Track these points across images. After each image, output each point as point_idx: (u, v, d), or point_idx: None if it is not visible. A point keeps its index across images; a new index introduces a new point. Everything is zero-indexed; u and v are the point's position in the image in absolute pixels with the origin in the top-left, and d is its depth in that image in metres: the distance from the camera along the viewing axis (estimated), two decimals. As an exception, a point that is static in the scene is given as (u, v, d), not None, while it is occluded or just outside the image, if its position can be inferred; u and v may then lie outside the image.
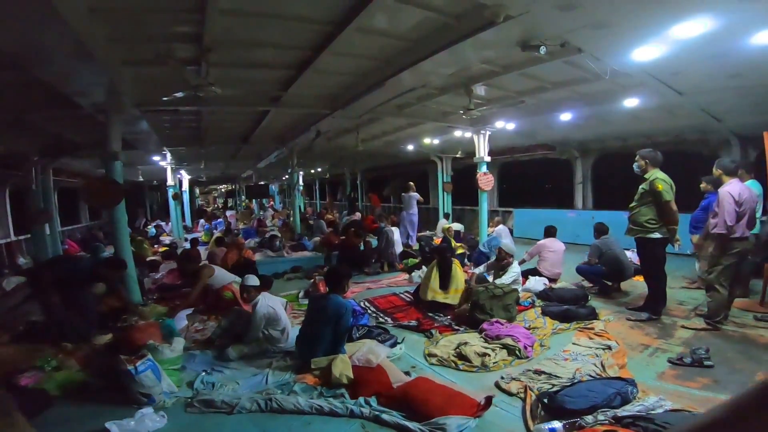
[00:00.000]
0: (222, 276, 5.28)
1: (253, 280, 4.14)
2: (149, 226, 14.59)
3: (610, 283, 5.55)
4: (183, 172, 14.54)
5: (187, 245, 9.27)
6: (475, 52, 3.87)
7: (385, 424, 2.56)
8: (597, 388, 2.68)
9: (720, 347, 3.56)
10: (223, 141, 9.96)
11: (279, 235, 11.07)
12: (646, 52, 3.63)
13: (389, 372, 3.09)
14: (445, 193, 12.59)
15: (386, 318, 4.81)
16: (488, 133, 8.06)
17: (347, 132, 9.16)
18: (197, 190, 27.19)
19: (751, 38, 3.28)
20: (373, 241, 8.55)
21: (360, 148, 9.34)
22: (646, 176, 4.33)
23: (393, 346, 3.81)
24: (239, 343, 3.82)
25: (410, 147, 11.15)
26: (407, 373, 3.23)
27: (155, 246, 11.17)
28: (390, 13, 3.45)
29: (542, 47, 3.56)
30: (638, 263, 5.01)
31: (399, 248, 8.04)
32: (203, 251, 8.46)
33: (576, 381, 2.92)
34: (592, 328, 4.16)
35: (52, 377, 3.28)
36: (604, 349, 3.64)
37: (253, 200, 22.95)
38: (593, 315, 4.49)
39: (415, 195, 10.20)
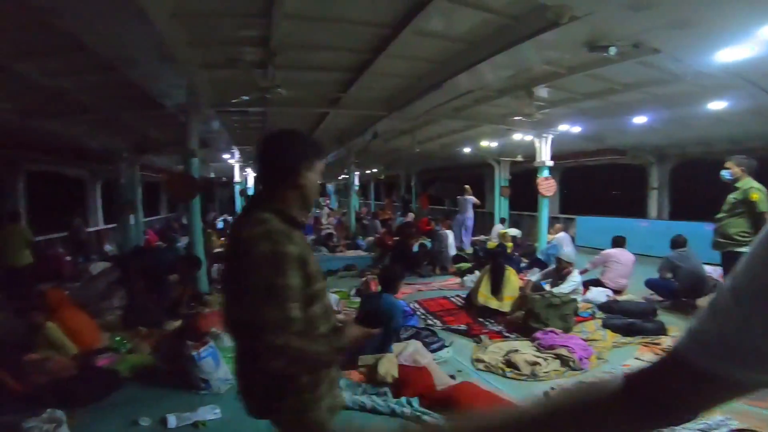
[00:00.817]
0: None
1: None
2: (218, 220, 15.70)
3: (684, 299, 5.07)
4: (249, 169, 15.48)
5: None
6: (536, 53, 3.73)
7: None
8: None
9: None
10: (285, 141, 10.42)
11: (334, 233, 11.41)
12: (732, 53, 3.30)
13: (434, 374, 3.08)
14: (501, 198, 12.21)
15: (435, 320, 4.78)
16: (551, 136, 7.70)
17: (403, 133, 9.22)
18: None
19: None
20: (427, 243, 8.51)
21: (416, 150, 9.36)
22: (738, 185, 3.91)
23: (440, 348, 3.78)
24: None
25: (467, 150, 10.96)
26: (452, 377, 3.20)
27: (222, 239, 11.99)
28: (447, 15, 3.42)
29: (612, 48, 3.35)
30: (720, 279, 4.53)
31: (452, 252, 7.95)
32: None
33: None
34: (659, 344, 3.88)
35: (125, 359, 3.58)
36: None
37: (312, 199, 23.78)
38: (661, 331, 4.18)
39: (471, 198, 10.02)
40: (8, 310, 4.45)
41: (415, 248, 8.13)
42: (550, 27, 3.02)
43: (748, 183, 3.84)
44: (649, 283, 5.40)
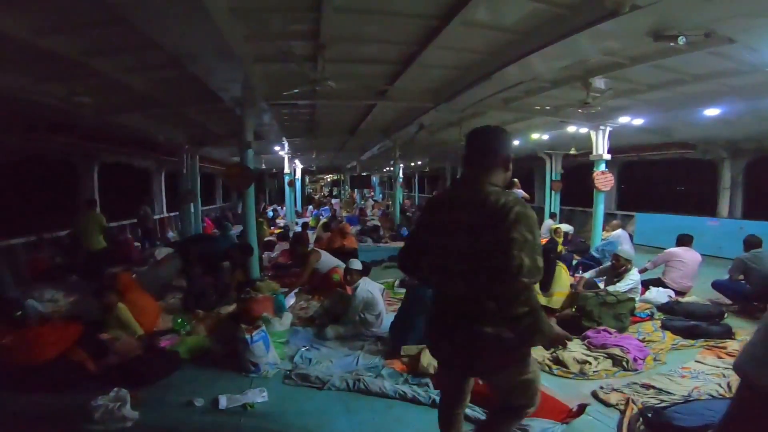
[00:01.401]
0: (328, 260, 5.72)
1: (356, 264, 4.39)
2: (268, 210, 16.40)
3: (755, 303, 4.68)
4: (297, 161, 15.95)
5: (298, 229, 10.21)
6: (593, 44, 3.52)
7: (467, 418, 2.55)
8: (716, 407, 2.36)
9: None
10: (332, 133, 10.60)
11: (380, 224, 11.53)
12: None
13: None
14: (553, 192, 11.73)
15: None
16: (609, 129, 7.27)
17: (450, 126, 9.07)
18: (307, 179, 29.63)
19: None
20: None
21: (462, 143, 9.18)
22: None
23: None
24: (337, 323, 4.11)
25: (516, 142, 10.59)
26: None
27: (272, 228, 12.51)
28: (495, 4, 3.33)
29: (681, 37, 3.11)
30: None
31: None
32: (311, 235, 9.24)
33: (692, 399, 2.65)
34: (725, 348, 3.68)
35: (184, 341, 3.77)
36: None
37: (356, 190, 24.17)
38: (728, 334, 3.94)
39: (520, 192, 9.67)
40: (86, 291, 4.91)
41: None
42: (609, 17, 2.84)
43: None
44: (717, 285, 5.04)
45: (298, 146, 12.53)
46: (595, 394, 2.86)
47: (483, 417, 2.49)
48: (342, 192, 25.86)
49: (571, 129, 7.81)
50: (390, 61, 5.01)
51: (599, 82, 5.17)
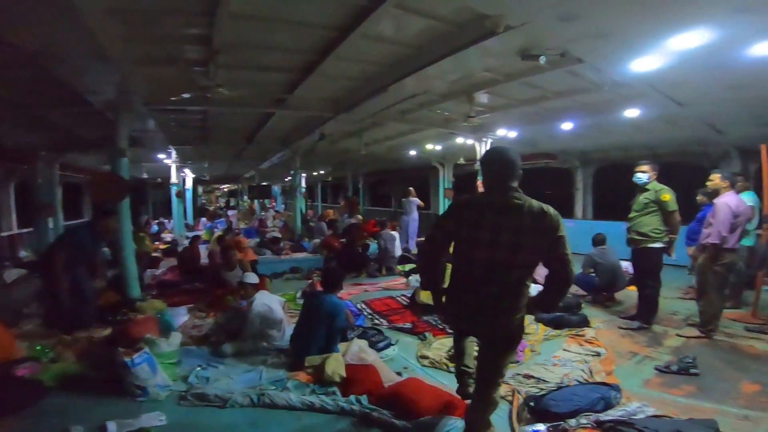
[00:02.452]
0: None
1: (251, 278, 4.20)
2: (152, 224, 14.71)
3: (604, 293, 5.56)
4: (187, 170, 14.67)
5: (190, 243, 9.34)
6: (477, 60, 3.97)
7: (375, 422, 2.61)
8: (581, 392, 2.74)
9: (708, 356, 3.62)
10: (227, 141, 10.07)
11: (280, 236, 11.16)
12: (645, 63, 3.68)
13: (381, 371, 3.14)
14: (446, 199, 12.65)
15: (381, 320, 4.86)
16: (489, 140, 8.13)
17: (350, 135, 9.26)
18: (200, 189, 27.38)
19: (749, 50, 3.31)
20: (373, 245, 8.61)
21: (363, 152, 9.43)
22: (648, 187, 4.35)
23: (387, 347, 3.86)
24: (235, 339, 3.88)
25: (412, 152, 11.23)
26: (399, 374, 3.28)
27: (157, 243, 11.27)
28: (394, 20, 3.52)
29: (542, 57, 3.64)
30: (632, 274, 5.04)
31: (398, 252, 8.10)
32: (204, 249, 8.54)
33: (563, 385, 2.98)
34: (583, 335, 4.21)
35: (48, 368, 3.33)
36: (593, 355, 3.69)
37: (255, 200, 23.07)
38: (585, 323, 4.52)
39: (416, 200, 10.27)
40: None
41: (361, 249, 8.20)
42: (489, 36, 3.22)
43: (658, 185, 4.31)
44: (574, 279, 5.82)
45: (189, 154, 11.56)
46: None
47: (391, 420, 2.57)
48: (240, 203, 24.43)
49: (460, 140, 8.57)
50: (289, 69, 4.95)
51: (481, 97, 5.78)
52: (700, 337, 4.03)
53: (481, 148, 8.18)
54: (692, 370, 3.26)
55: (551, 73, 4.41)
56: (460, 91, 5.62)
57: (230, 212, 19.15)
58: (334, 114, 6.52)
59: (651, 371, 3.40)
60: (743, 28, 2.98)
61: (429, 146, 10.23)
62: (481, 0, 2.95)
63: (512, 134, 7.62)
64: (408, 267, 7.64)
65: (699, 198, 5.28)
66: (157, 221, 15.38)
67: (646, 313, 4.45)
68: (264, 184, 22.69)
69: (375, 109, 6.16)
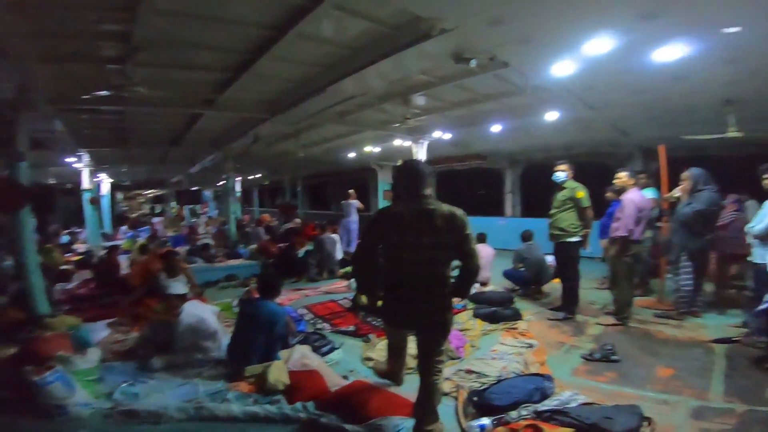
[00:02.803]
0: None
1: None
2: (62, 234, 13.16)
3: (533, 286, 5.94)
4: (102, 175, 13.36)
5: (107, 253, 8.49)
6: (414, 62, 4.04)
7: (323, 428, 2.56)
8: (518, 384, 2.87)
9: (625, 343, 3.92)
10: (150, 143, 9.37)
11: (212, 242, 10.57)
12: (562, 68, 4.00)
13: (326, 376, 3.10)
14: (385, 201, 12.80)
15: (324, 324, 4.79)
16: (426, 142, 8.38)
17: (287, 138, 9.04)
18: (119, 195, 25.05)
19: (649, 56, 3.68)
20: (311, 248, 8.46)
21: (301, 155, 9.25)
22: (565, 185, 4.72)
23: (331, 351, 3.81)
24: (165, 353, 3.61)
25: (351, 154, 11.23)
26: (345, 378, 3.25)
27: (68, 254, 10.11)
28: (332, 21, 3.51)
29: (473, 60, 3.81)
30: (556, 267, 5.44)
31: (339, 255, 8.04)
32: (125, 260, 7.83)
33: (502, 379, 3.10)
34: (517, 328, 4.41)
35: None
36: (526, 347, 3.87)
37: (184, 206, 21.59)
38: (518, 316, 4.74)
39: (355, 203, 10.27)
40: None
41: (302, 253, 8.03)
42: (425, 38, 3.32)
43: (573, 183, 4.72)
44: (506, 274, 6.15)
45: (104, 157, 10.54)
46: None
47: (339, 425, 2.54)
48: (167, 209, 22.70)
49: (397, 142, 8.73)
50: (219, 68, 4.73)
51: (417, 99, 5.94)
52: (617, 325, 4.42)
53: (418, 150, 8.41)
54: (613, 357, 3.53)
55: (481, 77, 4.65)
56: (397, 93, 5.74)
57: (155, 219, 17.68)
58: (270, 115, 6.33)
59: (578, 360, 3.62)
60: (645, 34, 3.31)
61: (368, 148, 10.30)
62: (417, 3, 3.03)
63: (447, 136, 7.92)
64: (350, 269, 7.60)
65: (608, 194, 5.82)
66: (68, 231, 13.78)
67: (569, 304, 4.82)
68: (194, 188, 21.34)
69: (312, 111, 6.06)
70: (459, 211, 2.37)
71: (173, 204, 22.36)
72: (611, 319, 4.54)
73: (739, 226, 4.65)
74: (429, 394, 2.43)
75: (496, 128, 7.02)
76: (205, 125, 7.61)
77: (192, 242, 11.13)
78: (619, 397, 2.91)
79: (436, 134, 7.89)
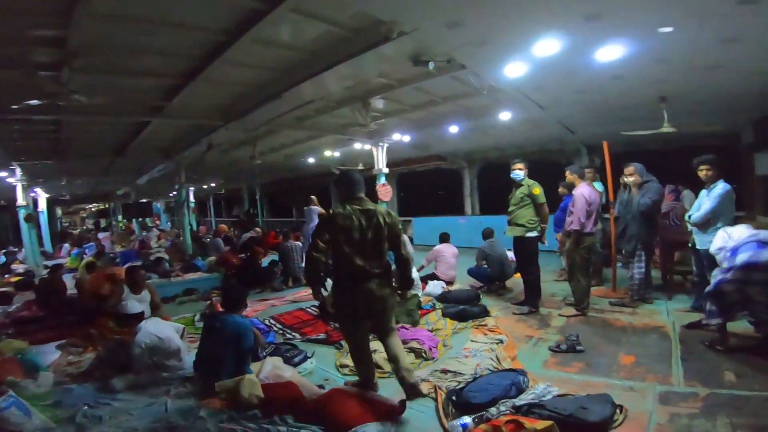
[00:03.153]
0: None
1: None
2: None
3: (497, 282, 6.08)
4: (39, 189, 12.32)
5: (49, 273, 7.84)
6: (372, 65, 4.06)
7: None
8: (494, 380, 2.90)
9: (587, 333, 4.03)
10: (91, 154, 8.77)
11: (167, 257, 10.03)
12: (515, 69, 4.14)
13: (301, 386, 3.01)
14: (347, 205, 12.72)
15: (293, 334, 4.68)
16: (386, 145, 8.43)
17: (244, 144, 8.77)
18: (59, 211, 23.22)
19: (592, 56, 3.86)
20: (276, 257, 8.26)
21: (258, 162, 9.01)
22: (522, 182, 4.89)
23: (303, 360, 3.73)
24: (125, 373, 3.39)
25: (311, 160, 11.09)
26: (321, 387, 3.18)
27: (6, 276, 9.28)
28: (289, 25, 3.46)
29: (431, 62, 3.88)
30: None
31: (303, 263, 7.89)
32: (70, 279, 7.29)
33: (477, 376, 3.13)
34: (486, 325, 4.46)
35: None
36: (497, 343, 3.90)
37: (133, 220, 20.35)
38: (485, 312, 4.79)
39: (317, 209, 10.10)
40: None
41: (265, 263, 7.81)
42: (384, 41, 3.34)
43: (530, 181, 4.90)
44: (470, 272, 6.27)
45: (40, 171, 9.72)
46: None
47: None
48: (114, 223, 21.29)
49: (357, 146, 8.72)
50: (168, 74, 4.52)
51: (376, 103, 5.96)
52: (578, 315, 4.62)
53: (378, 153, 8.44)
54: (578, 348, 3.65)
55: (439, 79, 4.74)
56: (356, 97, 5.73)
57: (101, 235, 16.52)
58: (224, 122, 6.12)
59: (546, 352, 3.69)
60: (589, 35, 3.47)
61: (327, 153, 10.22)
62: (376, 6, 3.04)
63: (406, 138, 8.00)
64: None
65: (560, 190, 6.11)
66: (4, 251, 12.61)
67: (532, 298, 4.98)
68: (143, 201, 20.17)
69: (269, 116, 5.92)
70: (392, 211, 2.87)
71: (120, 218, 21.01)
72: (572, 310, 4.73)
73: (678, 214, 5.05)
74: (398, 346, 2.88)
75: (453, 129, 7.18)
76: (153, 134, 7.22)
77: (144, 257, 10.51)
78: (589, 386, 2.95)
79: (396, 137, 7.95)
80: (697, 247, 4.08)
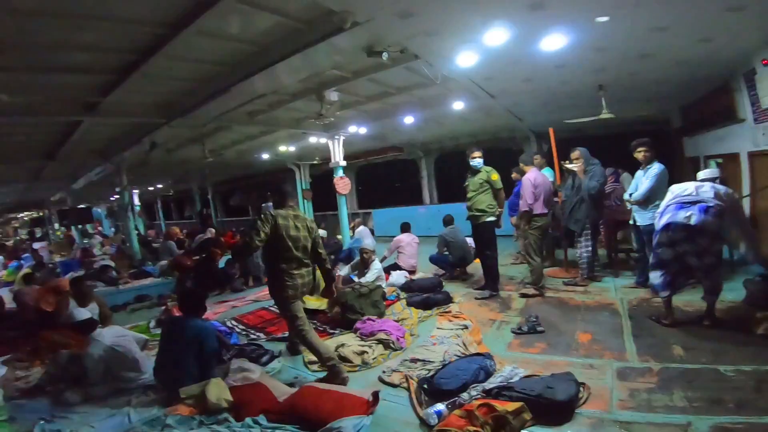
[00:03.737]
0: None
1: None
2: None
3: (458, 268, 6.24)
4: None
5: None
6: (326, 57, 3.99)
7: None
8: (463, 366, 2.96)
9: (545, 313, 4.17)
10: (18, 158, 7.99)
11: (113, 264, 9.39)
12: (466, 58, 4.22)
13: (271, 386, 2.96)
14: (305, 201, 12.53)
15: (258, 334, 4.57)
16: (342, 137, 8.35)
17: (191, 142, 8.34)
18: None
19: (537, 45, 4.00)
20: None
21: (209, 160, 8.62)
22: (481, 168, 5.00)
23: (271, 360, 3.66)
24: (79, 386, 3.18)
25: (265, 156, 10.77)
26: (291, 385, 3.13)
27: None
28: (236, 16, 3.32)
29: (385, 53, 3.86)
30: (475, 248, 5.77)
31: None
32: (7, 293, 6.68)
33: (446, 363, 3.16)
34: (450, 311, 4.53)
35: None
36: (462, 329, 3.97)
37: (72, 227, 18.82)
38: (449, 299, 4.89)
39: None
40: None
41: (222, 264, 7.54)
42: (337, 32, 3.30)
43: (487, 167, 5.05)
44: (432, 259, 6.40)
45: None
46: (381, 379, 3.13)
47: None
48: (51, 232, 19.56)
49: (313, 140, 8.58)
50: (101, 70, 4.21)
51: (331, 95, 5.85)
52: (536, 296, 4.81)
53: (335, 146, 8.35)
54: (539, 329, 3.79)
55: (393, 70, 4.74)
56: (310, 90, 5.61)
57: (37, 245, 15.16)
58: (167, 119, 5.78)
59: (509, 334, 3.80)
60: (534, 25, 3.59)
61: (282, 148, 9.97)
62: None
63: (362, 130, 7.98)
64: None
65: (513, 175, 6.34)
66: None
67: (492, 282, 5.16)
68: (82, 206, 18.67)
69: (218, 112, 5.67)
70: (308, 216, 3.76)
71: (57, 226, 19.35)
72: (531, 290, 4.92)
73: (618, 195, 5.42)
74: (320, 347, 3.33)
75: (409, 120, 7.24)
76: (87, 134, 6.68)
77: (88, 266, 9.78)
78: (552, 365, 3.03)
79: (353, 129, 7.90)
80: (638, 223, 4.39)
